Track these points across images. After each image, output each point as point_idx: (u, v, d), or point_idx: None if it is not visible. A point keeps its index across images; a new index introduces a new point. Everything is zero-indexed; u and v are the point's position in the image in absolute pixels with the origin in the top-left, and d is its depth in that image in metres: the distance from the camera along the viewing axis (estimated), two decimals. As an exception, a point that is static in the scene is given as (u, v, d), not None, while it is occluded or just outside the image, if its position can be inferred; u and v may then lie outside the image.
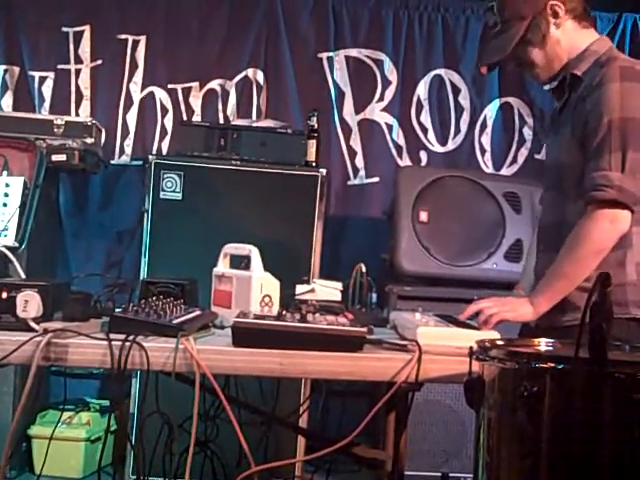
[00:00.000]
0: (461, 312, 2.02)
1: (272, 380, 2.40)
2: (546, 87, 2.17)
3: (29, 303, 1.83)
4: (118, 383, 1.81)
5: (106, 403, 3.66)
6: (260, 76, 4.12)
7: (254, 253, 2.15)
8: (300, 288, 2.18)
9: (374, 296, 2.29)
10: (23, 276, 2.25)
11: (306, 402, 3.03)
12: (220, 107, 4.11)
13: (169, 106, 4.09)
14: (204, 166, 3.47)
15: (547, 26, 2.02)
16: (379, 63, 4.17)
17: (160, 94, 4.09)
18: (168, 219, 3.42)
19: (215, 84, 4.11)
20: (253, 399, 2.36)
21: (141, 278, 3.21)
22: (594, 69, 1.99)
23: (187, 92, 4.10)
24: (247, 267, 2.14)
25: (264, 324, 1.77)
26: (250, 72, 4.12)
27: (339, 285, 2.21)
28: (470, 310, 1.98)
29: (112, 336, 1.77)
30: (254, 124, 3.72)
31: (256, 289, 2.08)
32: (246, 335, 1.76)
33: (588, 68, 2.00)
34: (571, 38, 2.04)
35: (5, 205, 2.62)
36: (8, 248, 2.34)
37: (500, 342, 1.60)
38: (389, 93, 4.17)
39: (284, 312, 1.89)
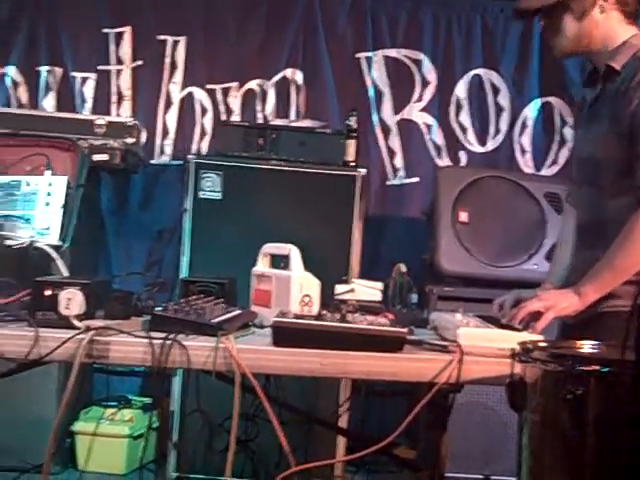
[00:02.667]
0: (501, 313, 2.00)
1: (312, 380, 2.40)
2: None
3: (72, 301, 1.84)
4: (159, 381, 1.82)
5: (148, 400, 3.68)
6: (299, 76, 4.12)
7: (294, 252, 2.15)
8: (340, 288, 2.17)
9: (414, 297, 2.28)
10: (66, 274, 2.27)
11: (346, 402, 3.02)
12: (259, 107, 4.12)
13: (208, 106, 4.11)
14: (243, 166, 3.48)
15: (592, 4, 1.99)
16: (418, 63, 4.15)
17: (199, 94, 4.11)
18: (207, 218, 3.44)
19: (254, 84, 4.12)
20: (293, 399, 2.36)
21: (181, 277, 3.22)
22: (633, 62, 1.96)
23: (226, 92, 4.11)
24: (287, 267, 2.14)
25: (304, 324, 1.77)
26: (289, 72, 4.13)
27: (379, 285, 2.20)
28: (522, 314, 1.95)
29: (153, 334, 1.78)
30: (293, 124, 3.73)
31: (296, 289, 2.08)
32: (286, 335, 1.76)
33: (626, 61, 1.97)
34: (611, 28, 2.00)
35: (48, 204, 2.65)
36: (51, 247, 2.37)
37: (543, 344, 1.58)
38: (428, 93, 4.15)
39: (324, 312, 1.89)
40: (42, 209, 2.64)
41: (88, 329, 1.79)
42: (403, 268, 2.24)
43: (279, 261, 2.21)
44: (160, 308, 1.95)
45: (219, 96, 4.10)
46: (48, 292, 1.86)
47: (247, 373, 1.70)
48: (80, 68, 4.05)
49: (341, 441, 3.20)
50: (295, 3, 4.12)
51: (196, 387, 2.06)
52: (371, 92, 4.14)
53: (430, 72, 4.14)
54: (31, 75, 4.03)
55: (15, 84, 4.04)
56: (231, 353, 1.72)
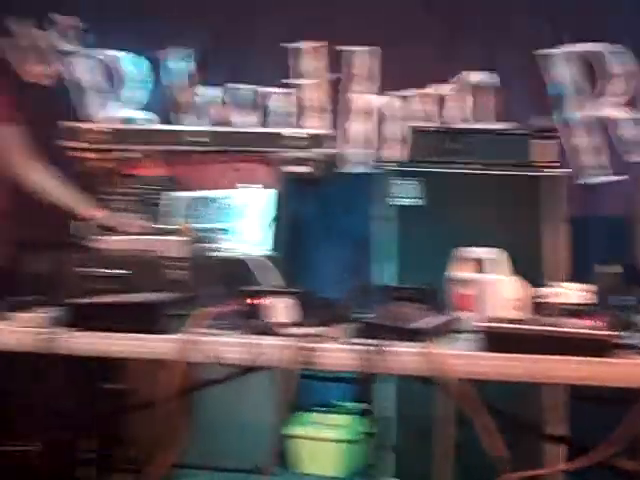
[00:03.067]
0: None
1: (521, 385, 2.35)
2: None
3: (281, 309, 1.92)
4: (366, 387, 1.86)
5: (354, 406, 3.75)
6: (490, 77, 4.07)
7: (499, 256, 2.13)
8: (545, 291, 2.13)
9: (631, 299, 2.19)
10: (275, 283, 2.37)
11: (558, 409, 2.94)
12: (453, 112, 4.10)
13: (402, 113, 4.14)
14: (438, 171, 3.47)
15: None
16: (604, 58, 3.99)
17: (393, 102, 4.14)
18: (404, 225, 3.46)
19: (447, 88, 4.11)
20: (501, 404, 2.32)
21: (382, 284, 3.26)
22: None
23: (420, 98, 4.12)
24: (490, 270, 2.13)
25: (511, 328, 1.76)
26: (481, 75, 4.08)
27: (585, 288, 2.14)
28: None
29: (360, 341, 1.82)
30: (486, 126, 3.68)
31: (501, 293, 2.06)
32: (492, 339, 1.75)
33: None
34: None
35: (255, 216, 2.77)
36: (260, 257, 2.48)
37: None
38: (615, 88, 3.98)
39: (530, 316, 1.86)
40: (248, 221, 2.76)
41: (298, 336, 1.86)
42: (612, 269, 2.17)
43: (482, 265, 2.20)
44: (365, 315, 2.00)
45: (413, 102, 4.12)
46: (259, 301, 1.95)
47: (455, 378, 1.71)
48: (274, 83, 4.20)
49: (552, 450, 3.09)
50: (476, 3, 4.07)
51: (404, 393, 2.08)
52: (557, 90, 4.02)
53: (618, 66, 3.96)
54: (233, 94, 4.21)
55: (218, 104, 4.24)
56: (439, 358, 1.73)
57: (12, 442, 2.77)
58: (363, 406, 3.62)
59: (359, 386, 3.67)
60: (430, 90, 4.11)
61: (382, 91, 4.15)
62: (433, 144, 3.53)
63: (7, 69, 4.25)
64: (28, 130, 3.18)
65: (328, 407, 3.72)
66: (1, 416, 2.68)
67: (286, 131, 3.67)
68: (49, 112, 4.15)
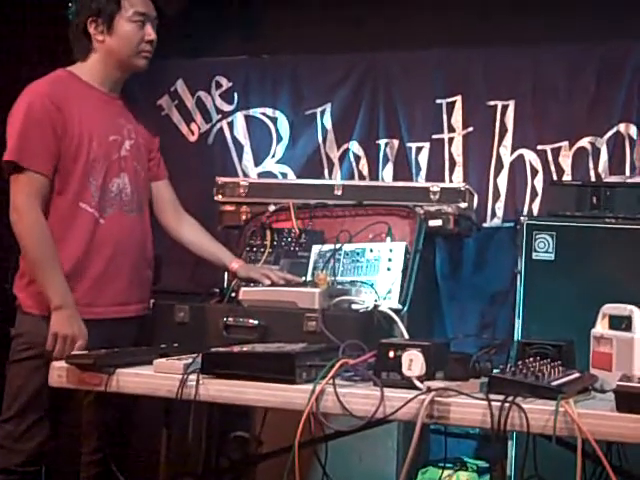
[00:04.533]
0: None
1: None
2: None
3: (413, 362, 1.93)
4: (497, 444, 1.84)
5: (483, 464, 3.69)
6: (633, 130, 3.98)
7: (636, 313, 2.07)
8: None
9: None
10: (406, 336, 2.38)
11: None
12: (591, 165, 4.03)
13: (539, 167, 4.10)
14: (577, 225, 3.41)
15: None
16: None
17: (530, 156, 4.11)
18: (541, 279, 3.41)
19: (585, 142, 4.04)
20: (636, 468, 2.25)
21: (515, 339, 3.22)
22: None
23: (556, 152, 4.07)
24: (628, 328, 2.08)
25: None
26: (622, 127, 4.00)
27: None
28: None
29: (491, 397, 1.81)
30: (628, 180, 3.60)
31: (639, 351, 2.00)
32: (630, 400, 1.70)
33: None
34: None
35: (389, 269, 2.80)
36: (393, 310, 2.51)
37: None
38: None
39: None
40: (384, 274, 2.80)
41: (429, 390, 1.86)
42: None
43: (619, 322, 2.14)
44: (498, 370, 1.98)
45: (549, 156, 4.08)
46: (392, 354, 1.97)
47: (590, 439, 1.67)
48: (415, 138, 4.24)
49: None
50: (627, 57, 4.00)
51: (533, 452, 2.04)
52: None
53: None
54: (371, 148, 4.30)
55: (357, 158, 4.34)
56: (572, 417, 1.70)
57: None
58: (486, 464, 3.56)
59: (486, 443, 3.61)
60: (575, 144, 4.04)
61: (523, 145, 4.12)
62: (571, 198, 3.49)
63: (169, 127, 4.52)
64: (185, 185, 3.36)
65: (454, 463, 3.66)
66: (130, 460, 2.80)
67: (421, 185, 3.71)
68: (206, 168, 4.39)
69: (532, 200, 4.08)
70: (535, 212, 4.03)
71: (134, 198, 2.74)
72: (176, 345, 2.38)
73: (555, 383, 1.85)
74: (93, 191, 2.63)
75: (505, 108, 4.15)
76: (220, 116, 4.57)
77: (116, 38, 2.68)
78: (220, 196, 3.74)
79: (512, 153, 4.13)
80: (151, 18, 2.73)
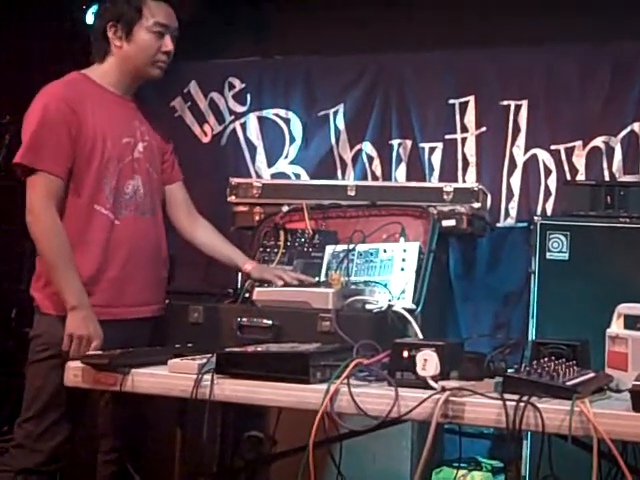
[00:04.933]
0: None
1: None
2: None
3: (428, 362, 1.93)
4: (512, 444, 1.84)
5: (497, 463, 3.68)
6: (641, 129, 3.98)
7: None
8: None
9: None
10: (420, 336, 2.38)
11: None
12: (605, 164, 4.02)
13: (552, 167, 4.09)
14: (590, 225, 3.42)
15: None
16: None
17: (543, 155, 4.11)
18: (555, 279, 3.41)
19: (599, 141, 4.03)
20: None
21: (530, 339, 3.22)
22: None
23: (570, 152, 4.07)
24: (646, 328, 2.07)
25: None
26: (636, 126, 3.99)
27: None
28: None
29: (506, 396, 1.81)
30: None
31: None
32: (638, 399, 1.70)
33: None
34: None
35: (403, 270, 2.80)
36: (406, 310, 2.51)
37: None
38: None
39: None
40: (397, 274, 2.80)
41: (444, 389, 1.86)
42: None
43: (634, 322, 2.14)
44: (512, 370, 1.98)
45: (563, 156, 4.07)
46: (406, 353, 1.96)
47: (606, 439, 1.66)
48: (428, 139, 4.25)
49: None
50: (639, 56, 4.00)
51: (548, 451, 2.03)
52: None
53: None
54: (384, 149, 4.31)
55: (370, 158, 4.34)
56: (588, 417, 1.69)
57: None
58: (501, 464, 3.55)
59: (500, 443, 3.61)
60: (589, 144, 4.03)
61: (536, 145, 4.11)
62: (585, 198, 3.48)
63: (182, 128, 4.54)
64: (199, 187, 3.37)
65: (469, 463, 3.65)
66: (145, 459, 2.81)
67: (434, 185, 3.71)
68: (219, 169, 4.40)
69: (546, 200, 4.08)
70: (549, 212, 4.03)
71: (147, 200, 2.75)
72: (190, 345, 2.38)
73: (570, 383, 1.85)
74: (107, 193, 2.64)
75: (518, 108, 4.15)
76: (233, 117, 4.59)
77: (133, 46, 2.68)
78: (233, 197, 3.75)
79: (525, 153, 4.13)
80: (171, 29, 2.72)
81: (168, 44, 2.71)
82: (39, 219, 2.54)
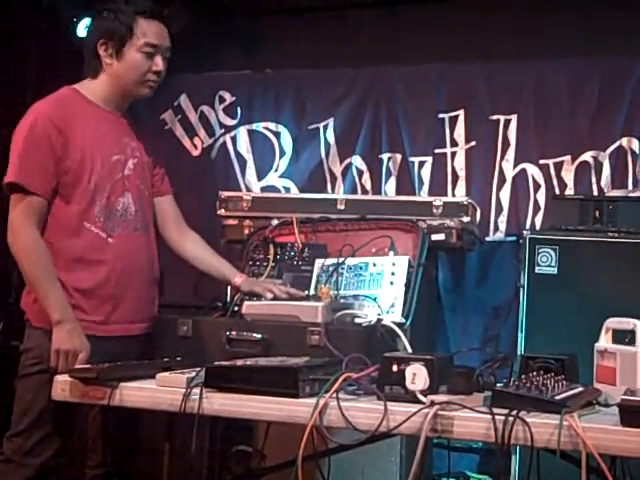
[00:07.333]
0: None
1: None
2: None
3: (417, 376, 1.93)
4: (501, 458, 1.84)
5: (486, 478, 3.68)
6: (635, 144, 3.99)
7: (639, 327, 2.07)
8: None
9: None
10: (409, 350, 2.38)
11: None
12: (594, 179, 4.04)
13: (541, 181, 4.11)
14: (579, 239, 3.43)
15: None
16: None
17: (532, 170, 4.12)
18: (544, 294, 3.41)
19: (588, 156, 4.05)
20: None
21: (519, 353, 3.22)
22: None
23: (559, 166, 4.08)
24: (631, 342, 2.07)
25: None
26: (624, 141, 4.01)
27: None
28: None
29: (495, 410, 1.81)
30: (630, 194, 3.61)
31: (642, 366, 2.00)
32: (634, 414, 1.70)
33: None
34: None
35: (392, 283, 2.80)
36: (395, 324, 2.50)
37: None
38: None
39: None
40: (387, 288, 2.79)
41: (433, 404, 1.86)
42: None
43: (623, 336, 2.14)
44: (501, 384, 1.98)
45: (552, 171, 4.09)
46: (395, 367, 1.96)
47: (594, 453, 1.67)
48: (417, 153, 4.27)
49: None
50: (629, 71, 4.02)
51: (537, 466, 2.03)
52: None
53: None
54: (374, 163, 4.33)
55: (360, 172, 4.36)
56: (576, 432, 1.69)
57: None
58: (488, 478, 3.55)
59: (489, 457, 3.60)
60: (578, 158, 4.05)
61: (525, 160, 4.13)
62: (574, 212, 3.50)
63: (172, 141, 4.54)
64: (188, 200, 3.36)
65: (457, 478, 3.65)
66: (133, 474, 2.79)
67: (424, 199, 3.72)
68: (209, 183, 4.40)
69: (535, 214, 4.09)
70: (538, 226, 4.04)
71: (139, 217, 2.74)
72: (179, 359, 2.38)
73: (559, 397, 1.85)
74: (97, 211, 2.62)
75: (508, 122, 4.17)
76: (223, 130, 4.59)
77: (123, 64, 2.67)
78: (223, 210, 3.75)
79: (515, 167, 4.15)
80: (162, 49, 2.70)
81: (159, 64, 2.70)
82: (18, 237, 2.53)
